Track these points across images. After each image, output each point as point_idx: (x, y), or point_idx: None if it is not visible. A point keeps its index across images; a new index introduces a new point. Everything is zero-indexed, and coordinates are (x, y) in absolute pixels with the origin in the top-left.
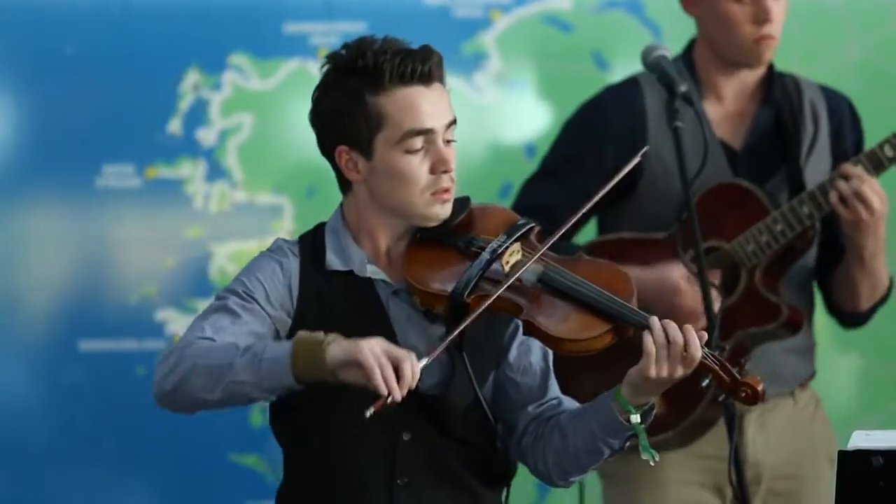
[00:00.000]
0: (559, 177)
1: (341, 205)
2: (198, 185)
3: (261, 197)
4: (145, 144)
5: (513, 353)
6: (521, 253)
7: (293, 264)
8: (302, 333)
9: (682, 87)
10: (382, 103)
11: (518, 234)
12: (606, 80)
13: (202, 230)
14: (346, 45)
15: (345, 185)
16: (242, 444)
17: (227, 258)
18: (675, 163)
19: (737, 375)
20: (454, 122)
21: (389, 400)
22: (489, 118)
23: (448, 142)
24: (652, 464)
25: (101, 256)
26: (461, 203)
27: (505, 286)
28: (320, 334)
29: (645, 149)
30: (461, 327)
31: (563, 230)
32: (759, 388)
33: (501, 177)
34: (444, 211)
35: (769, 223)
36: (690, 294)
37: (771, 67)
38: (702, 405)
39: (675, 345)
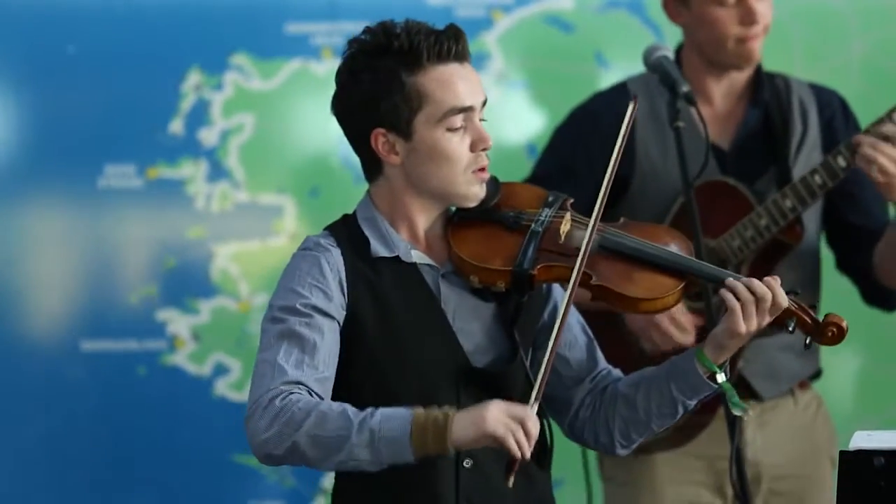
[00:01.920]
0: (551, 182)
1: (368, 193)
2: (199, 186)
3: (263, 197)
4: (147, 144)
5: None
6: (571, 222)
7: (336, 256)
8: (418, 414)
9: (685, 88)
10: (422, 82)
11: (559, 205)
12: (608, 81)
13: (204, 230)
14: (368, 30)
15: (374, 171)
16: (244, 444)
17: (229, 258)
18: (665, 163)
19: (817, 317)
20: (486, 100)
21: (521, 461)
22: (490, 118)
23: (481, 120)
24: (745, 417)
25: (102, 256)
26: (493, 183)
27: (583, 256)
28: (436, 412)
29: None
30: (560, 325)
31: (605, 194)
32: (843, 324)
33: (503, 176)
34: (482, 190)
35: (753, 218)
36: (673, 331)
37: (759, 68)
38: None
39: (763, 300)
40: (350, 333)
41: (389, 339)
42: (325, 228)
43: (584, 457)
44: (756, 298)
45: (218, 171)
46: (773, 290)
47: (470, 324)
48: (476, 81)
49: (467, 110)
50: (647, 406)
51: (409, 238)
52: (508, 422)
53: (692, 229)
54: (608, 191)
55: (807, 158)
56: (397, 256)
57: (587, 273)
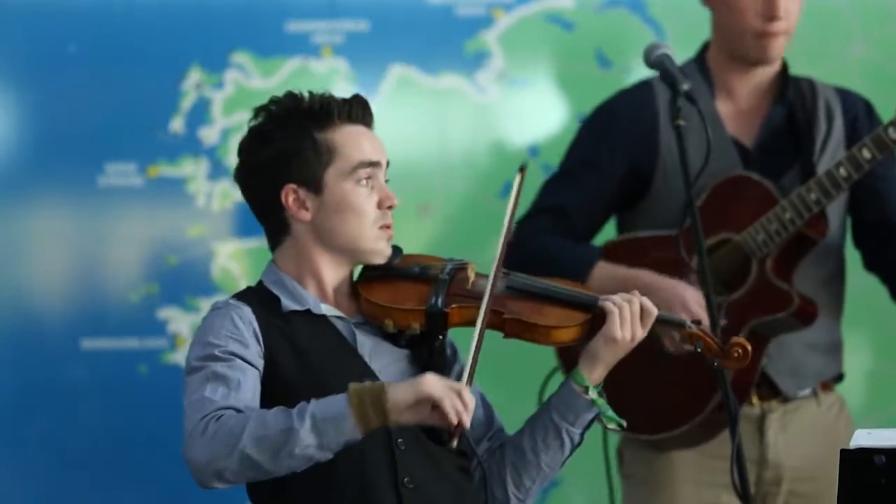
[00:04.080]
0: (575, 178)
1: (272, 261)
2: (200, 184)
3: None
4: (147, 143)
5: None
6: (475, 272)
7: (247, 312)
8: (353, 386)
9: (685, 86)
10: (332, 137)
11: (461, 262)
12: (609, 79)
13: (204, 229)
14: (274, 100)
15: (279, 234)
16: None
17: (230, 257)
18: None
19: (720, 342)
20: (388, 163)
21: (460, 428)
22: (492, 117)
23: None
24: (619, 430)
25: (103, 255)
26: (395, 249)
27: (489, 291)
28: (370, 383)
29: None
30: (480, 336)
31: (506, 237)
32: (749, 346)
33: (504, 176)
34: (388, 248)
35: (778, 211)
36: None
37: (785, 67)
38: (709, 406)
39: (632, 303)
40: (271, 381)
41: (311, 384)
42: (233, 296)
43: (605, 455)
44: (629, 305)
45: (218, 170)
46: (643, 302)
47: (387, 366)
48: (380, 146)
49: (374, 165)
50: (533, 444)
51: (318, 295)
52: (445, 388)
53: (700, 227)
54: (505, 251)
55: (831, 157)
56: (308, 310)
57: (498, 310)
